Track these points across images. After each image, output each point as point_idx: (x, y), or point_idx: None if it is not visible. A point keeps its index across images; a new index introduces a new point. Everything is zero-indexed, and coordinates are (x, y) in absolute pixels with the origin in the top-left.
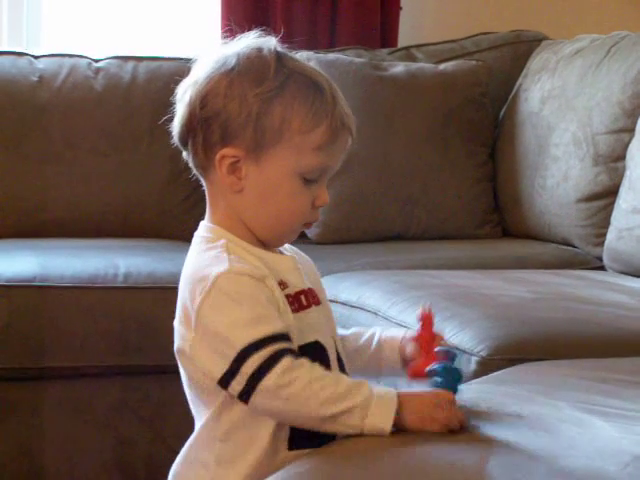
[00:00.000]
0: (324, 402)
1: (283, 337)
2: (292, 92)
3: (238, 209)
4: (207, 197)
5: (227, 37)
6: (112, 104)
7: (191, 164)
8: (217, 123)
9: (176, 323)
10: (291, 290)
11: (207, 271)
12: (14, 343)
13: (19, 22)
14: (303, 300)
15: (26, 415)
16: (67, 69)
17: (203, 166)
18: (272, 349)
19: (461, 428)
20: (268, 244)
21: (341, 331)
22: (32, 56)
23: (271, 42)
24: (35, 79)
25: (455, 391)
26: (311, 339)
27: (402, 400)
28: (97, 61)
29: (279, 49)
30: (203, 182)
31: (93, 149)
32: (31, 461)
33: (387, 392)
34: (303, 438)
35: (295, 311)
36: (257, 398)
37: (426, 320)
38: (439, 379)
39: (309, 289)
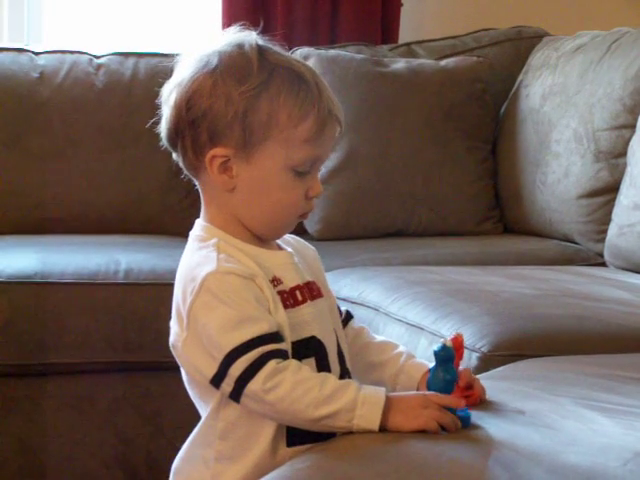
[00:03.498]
0: (308, 406)
1: (271, 338)
2: (277, 87)
3: (232, 207)
4: (201, 196)
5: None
6: (113, 100)
7: (182, 165)
8: (204, 124)
9: (172, 322)
10: (285, 286)
11: (197, 271)
12: (15, 340)
13: (20, 18)
14: (298, 296)
15: (27, 411)
16: (68, 65)
17: (194, 167)
18: (258, 352)
19: (447, 430)
20: (265, 238)
21: (369, 337)
22: (33, 52)
23: (252, 37)
24: (36, 75)
25: (448, 392)
26: (306, 334)
27: (390, 401)
28: (98, 57)
29: (261, 43)
30: (196, 182)
31: (94, 145)
32: (32, 457)
33: (374, 393)
34: (302, 434)
35: (290, 307)
36: (245, 400)
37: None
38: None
39: (307, 283)
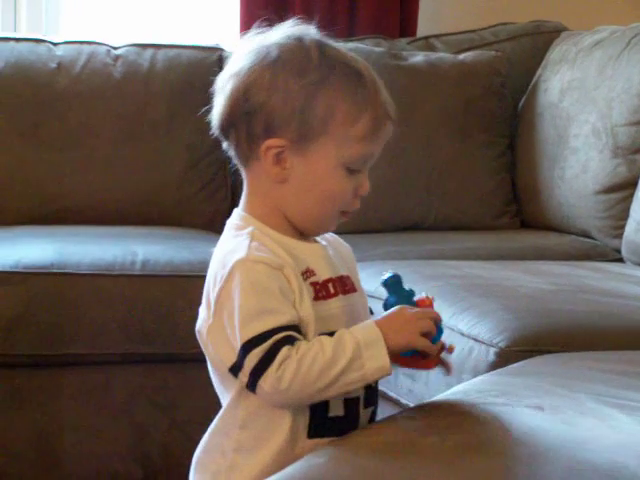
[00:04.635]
0: (320, 374)
1: (287, 329)
2: (335, 83)
3: (279, 199)
4: (245, 186)
5: (246, 26)
6: (130, 92)
7: (232, 154)
8: (261, 116)
9: (201, 307)
10: (318, 278)
11: (228, 258)
12: (31, 330)
13: (38, 8)
14: (331, 288)
15: (43, 402)
16: (86, 56)
17: (246, 157)
18: (272, 341)
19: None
20: (307, 233)
21: None
22: (51, 43)
23: (311, 31)
24: (54, 66)
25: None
26: (333, 328)
27: (382, 328)
28: (116, 48)
29: (320, 38)
30: (242, 172)
31: (111, 136)
32: (48, 447)
33: (369, 332)
34: (323, 426)
35: (322, 299)
36: (260, 392)
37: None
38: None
39: (340, 277)
